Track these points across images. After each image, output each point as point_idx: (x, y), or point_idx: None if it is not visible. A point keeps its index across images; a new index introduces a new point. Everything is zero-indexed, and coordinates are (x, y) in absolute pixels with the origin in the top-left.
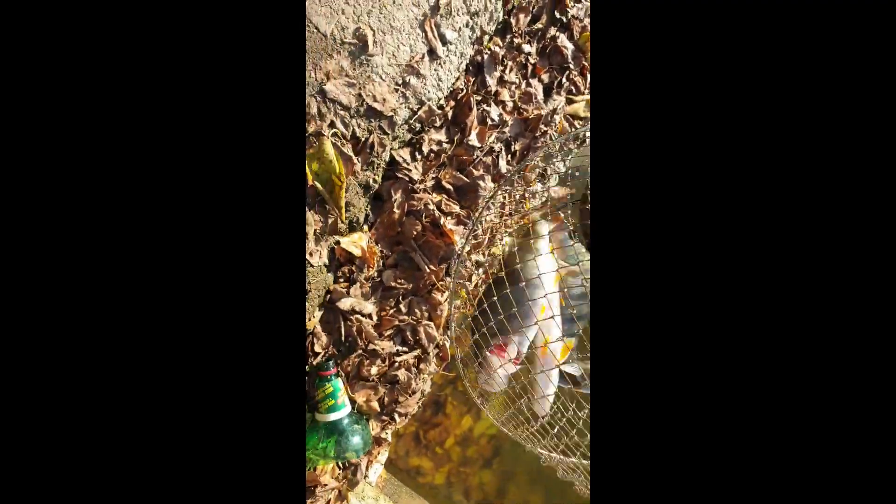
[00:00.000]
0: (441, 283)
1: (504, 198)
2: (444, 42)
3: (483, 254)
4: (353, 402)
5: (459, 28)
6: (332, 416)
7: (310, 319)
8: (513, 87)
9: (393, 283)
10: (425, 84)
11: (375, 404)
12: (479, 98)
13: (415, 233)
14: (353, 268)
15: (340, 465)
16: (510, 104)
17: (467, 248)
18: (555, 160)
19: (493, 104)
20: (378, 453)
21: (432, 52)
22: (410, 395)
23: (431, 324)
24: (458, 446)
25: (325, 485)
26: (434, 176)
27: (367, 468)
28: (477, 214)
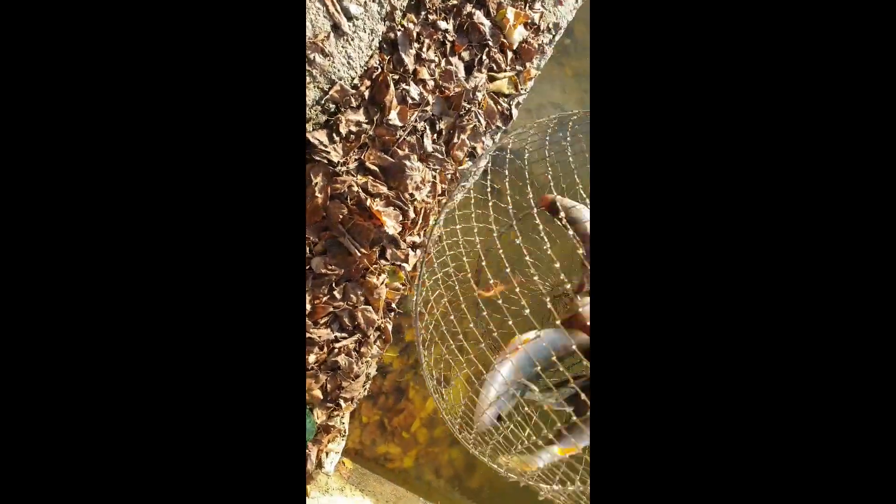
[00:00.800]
0: (374, 266)
1: (434, 178)
2: (349, 17)
3: (419, 234)
4: None
5: (364, 2)
6: None
7: None
8: (432, 64)
9: (324, 270)
10: (333, 63)
11: (318, 392)
12: (396, 77)
13: (341, 217)
14: None
15: None
16: (431, 82)
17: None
18: (483, 139)
19: (412, 83)
20: (329, 441)
21: (337, 28)
22: (354, 380)
23: (369, 307)
24: (425, 428)
25: None
26: (357, 158)
27: (318, 458)
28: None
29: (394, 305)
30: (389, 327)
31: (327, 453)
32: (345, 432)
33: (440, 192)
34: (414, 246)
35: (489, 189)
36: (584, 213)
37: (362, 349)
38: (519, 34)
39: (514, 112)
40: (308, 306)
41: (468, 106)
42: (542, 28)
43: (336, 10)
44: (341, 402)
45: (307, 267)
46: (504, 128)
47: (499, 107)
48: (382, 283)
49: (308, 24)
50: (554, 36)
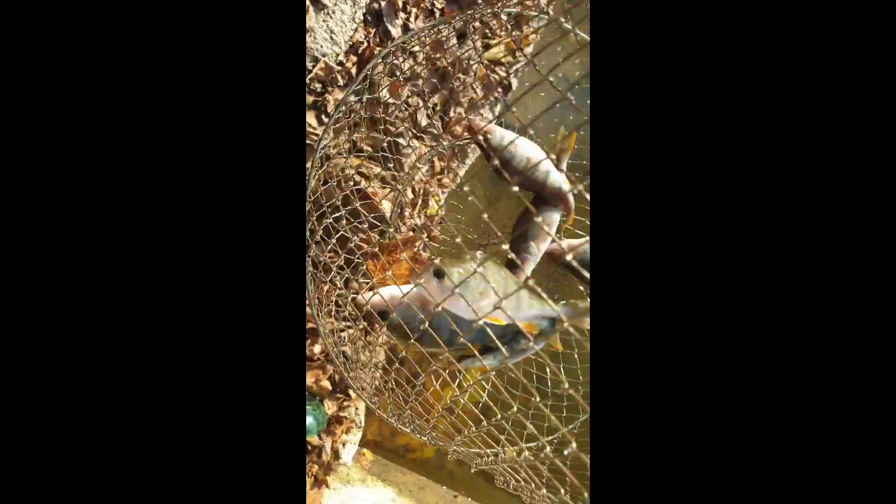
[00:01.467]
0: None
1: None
2: None
3: (418, 216)
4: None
5: None
6: None
7: None
8: (421, 34)
9: (323, 258)
10: (315, 38)
11: (326, 383)
12: (384, 52)
13: (338, 202)
14: None
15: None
16: (421, 54)
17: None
18: (482, 112)
19: (401, 55)
20: (343, 432)
21: (316, 2)
22: (361, 369)
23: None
24: (444, 417)
25: None
26: (348, 138)
27: (333, 449)
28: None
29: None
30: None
31: (343, 444)
32: (360, 423)
33: (439, 170)
34: (414, 229)
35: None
36: (521, 147)
37: (369, 338)
38: None
39: (514, 81)
40: (309, 297)
41: (462, 76)
42: None
43: None
44: (351, 392)
45: (307, 255)
46: (502, 97)
47: (496, 76)
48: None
49: None
50: None
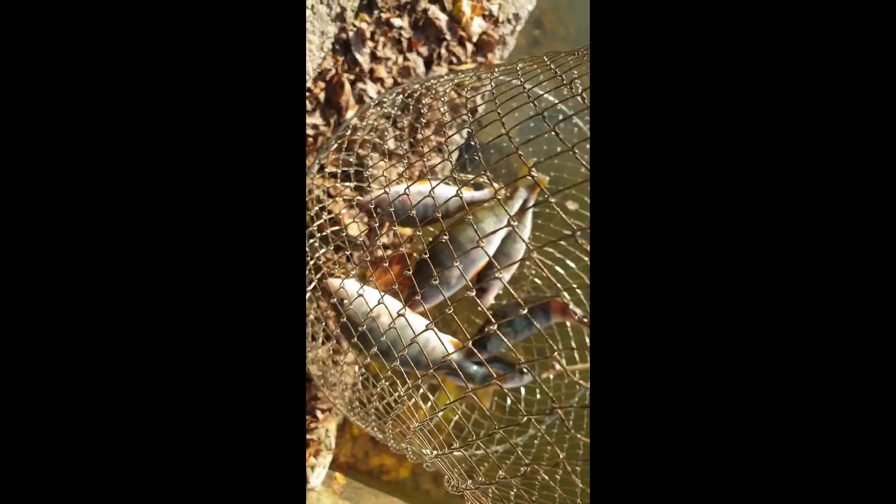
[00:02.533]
0: (341, 269)
1: (400, 176)
2: None
3: (387, 235)
4: None
5: (312, 5)
6: None
7: None
8: (389, 62)
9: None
10: None
11: None
12: (352, 77)
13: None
14: None
15: None
16: (389, 80)
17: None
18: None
19: (369, 81)
20: (311, 455)
21: None
22: (331, 388)
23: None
24: (421, 432)
25: None
26: (317, 161)
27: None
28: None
29: None
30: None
31: (312, 468)
32: (330, 445)
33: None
34: (384, 247)
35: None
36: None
37: (337, 357)
38: (477, 26)
39: (480, 108)
40: None
41: (430, 101)
42: (500, 19)
43: None
44: (318, 413)
45: None
46: (470, 119)
47: (462, 99)
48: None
49: None
50: (515, 26)
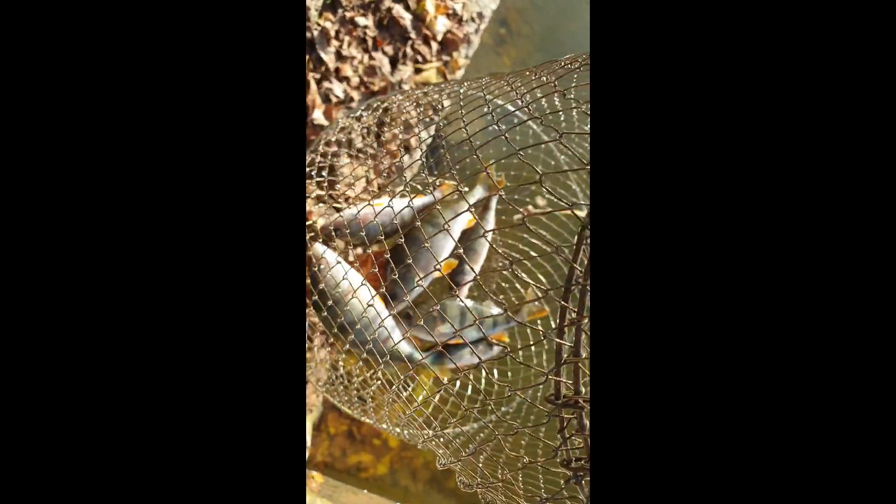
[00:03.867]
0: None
1: (367, 173)
2: None
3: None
4: None
5: None
6: None
7: None
8: (354, 61)
9: None
10: None
11: None
12: (318, 76)
13: None
14: None
15: None
16: (355, 79)
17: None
18: (416, 131)
19: (335, 80)
20: None
21: None
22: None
23: (310, 309)
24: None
25: None
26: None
27: None
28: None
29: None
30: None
31: None
32: (306, 444)
33: (376, 188)
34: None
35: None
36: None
37: (307, 355)
38: (442, 24)
39: (446, 102)
40: None
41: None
42: (465, 18)
43: None
44: None
45: None
46: (436, 118)
47: (428, 98)
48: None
49: None
50: (479, 25)
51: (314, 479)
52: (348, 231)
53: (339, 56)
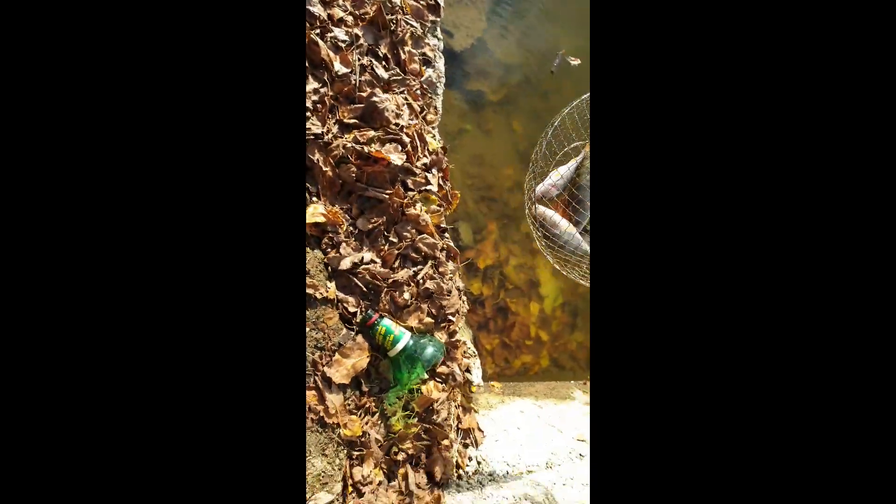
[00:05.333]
0: (405, 199)
1: (406, 100)
2: None
3: (424, 154)
4: (409, 328)
5: None
6: (399, 346)
7: (327, 291)
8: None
9: (370, 226)
10: None
11: (429, 319)
12: (317, 31)
13: (354, 175)
14: (330, 234)
15: (440, 379)
16: (349, 18)
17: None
18: (427, 41)
19: (334, 27)
20: (461, 355)
21: None
22: (448, 296)
23: (424, 235)
24: (542, 330)
25: (438, 399)
26: (336, 120)
27: (463, 372)
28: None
29: (443, 225)
30: (451, 243)
31: (469, 368)
32: (471, 348)
33: (419, 109)
34: (426, 167)
35: None
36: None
37: (441, 269)
38: None
39: (441, 2)
40: (378, 259)
41: (392, 17)
42: None
43: None
44: (450, 317)
45: (356, 230)
46: (436, 19)
47: (421, 3)
48: (421, 210)
49: None
50: None
51: (494, 387)
52: (555, 193)
53: (324, 2)
